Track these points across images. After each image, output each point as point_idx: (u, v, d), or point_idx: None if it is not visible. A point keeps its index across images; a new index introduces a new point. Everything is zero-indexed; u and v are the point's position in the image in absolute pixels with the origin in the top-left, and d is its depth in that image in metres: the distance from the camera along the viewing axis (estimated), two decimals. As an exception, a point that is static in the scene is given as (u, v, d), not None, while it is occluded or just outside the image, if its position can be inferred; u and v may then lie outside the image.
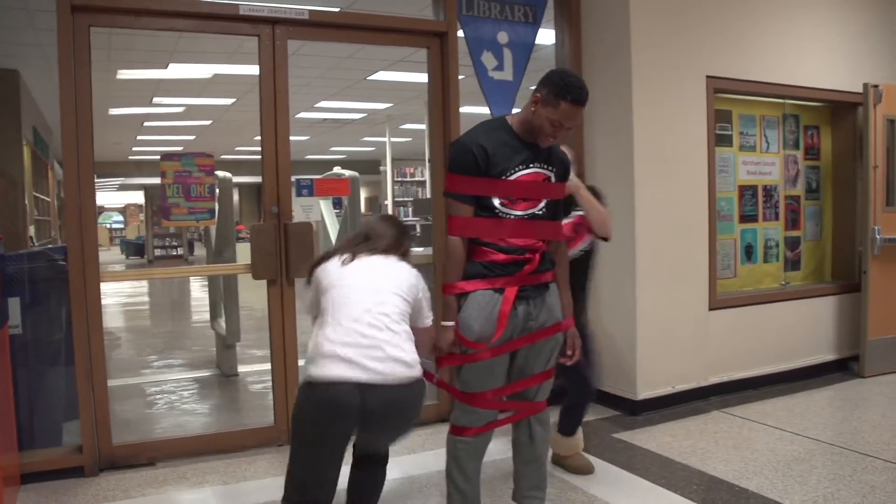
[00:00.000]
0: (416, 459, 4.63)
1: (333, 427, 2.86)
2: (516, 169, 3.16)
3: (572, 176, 3.66)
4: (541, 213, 3.23)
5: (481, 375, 3.21)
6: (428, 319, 3.23)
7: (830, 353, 6.57)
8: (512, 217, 3.17)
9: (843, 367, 6.57)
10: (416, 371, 2.96)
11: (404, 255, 3.27)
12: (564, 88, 3.05)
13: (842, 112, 6.84)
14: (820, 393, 6.04)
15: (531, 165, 3.19)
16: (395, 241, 3.23)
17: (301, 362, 4.95)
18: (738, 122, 6.32)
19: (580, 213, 4.01)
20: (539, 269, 3.22)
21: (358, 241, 3.20)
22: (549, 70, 3.24)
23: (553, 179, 3.28)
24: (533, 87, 3.19)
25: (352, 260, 3.09)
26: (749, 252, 6.45)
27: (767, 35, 6.05)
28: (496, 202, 3.14)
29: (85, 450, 4.50)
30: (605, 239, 4.10)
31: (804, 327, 6.41)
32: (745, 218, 6.41)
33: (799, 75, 6.25)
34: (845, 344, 6.62)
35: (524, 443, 3.45)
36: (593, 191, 4.08)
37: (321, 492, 2.96)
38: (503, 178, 3.14)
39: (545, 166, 3.24)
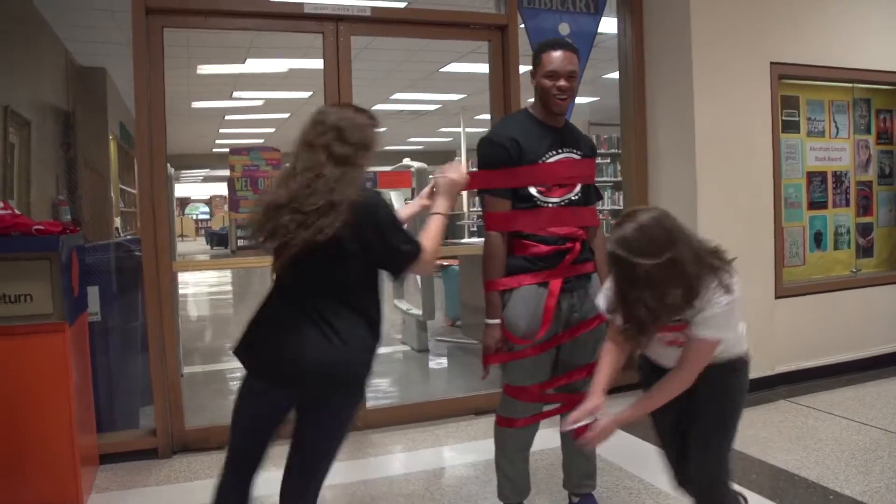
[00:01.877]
0: (476, 446, 4.72)
1: None
2: (548, 154, 3.24)
3: None
4: (576, 198, 3.29)
5: (528, 370, 3.28)
6: None
7: (904, 341, 6.44)
8: (550, 205, 3.23)
9: (919, 356, 6.43)
10: None
11: None
12: (541, 45, 3.28)
13: (915, 95, 6.68)
14: (892, 382, 5.92)
15: (561, 150, 3.27)
16: None
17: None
18: (806, 107, 6.22)
19: None
20: (580, 259, 3.28)
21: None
22: None
23: None
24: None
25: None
26: (818, 239, 6.36)
27: (833, 18, 5.96)
28: (533, 191, 3.21)
29: (159, 433, 4.72)
30: None
31: (877, 315, 6.30)
32: (814, 204, 6.31)
33: (867, 58, 6.14)
34: (922, 332, 6.48)
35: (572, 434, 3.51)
36: None
37: None
38: (538, 163, 3.22)
39: (573, 150, 3.32)
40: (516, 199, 3.23)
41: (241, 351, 2.68)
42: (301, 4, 4.89)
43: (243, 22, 5.04)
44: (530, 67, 5.08)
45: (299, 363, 2.50)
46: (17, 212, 3.86)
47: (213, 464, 4.58)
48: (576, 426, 2.69)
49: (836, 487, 3.89)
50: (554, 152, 3.26)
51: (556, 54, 3.20)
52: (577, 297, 3.30)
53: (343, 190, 2.44)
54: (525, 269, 3.22)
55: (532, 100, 3.39)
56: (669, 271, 2.38)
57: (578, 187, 3.31)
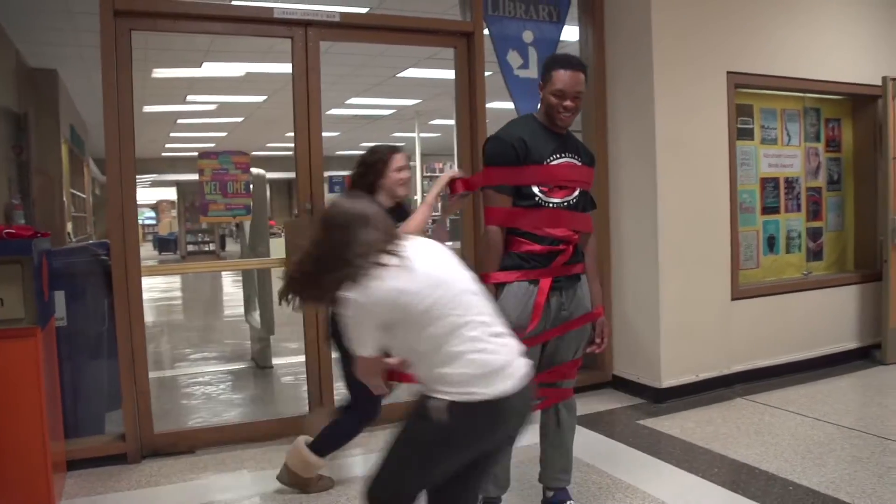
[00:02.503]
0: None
1: (494, 439, 2.51)
2: (552, 157, 3.36)
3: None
4: (574, 202, 3.41)
5: None
6: None
7: (853, 341, 6.66)
8: (550, 206, 3.35)
9: (865, 355, 6.66)
10: None
11: None
12: (552, 61, 3.39)
13: (862, 105, 6.91)
14: (842, 380, 6.14)
15: (563, 155, 3.39)
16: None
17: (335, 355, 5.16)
18: (760, 116, 6.42)
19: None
20: (571, 261, 3.40)
21: (382, 231, 2.46)
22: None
23: None
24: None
25: (400, 254, 2.41)
26: (771, 243, 6.55)
27: (787, 30, 6.14)
28: (536, 190, 3.33)
29: (128, 438, 4.70)
30: None
31: (826, 316, 6.50)
32: (767, 210, 6.51)
33: (819, 70, 6.33)
34: (868, 332, 6.71)
35: (552, 428, 3.62)
36: None
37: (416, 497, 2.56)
38: (543, 164, 3.34)
39: (574, 156, 3.44)
40: (518, 197, 3.34)
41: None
42: (270, 9, 4.92)
43: (212, 26, 5.03)
44: (493, 73, 5.20)
45: None
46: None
47: (183, 468, 4.60)
48: None
49: (794, 479, 4.05)
50: (557, 156, 3.38)
51: (567, 74, 3.31)
52: (566, 296, 3.42)
53: None
54: (518, 266, 3.34)
55: (539, 107, 3.50)
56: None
57: (577, 192, 3.43)
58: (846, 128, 7.04)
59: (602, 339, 3.61)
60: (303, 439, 4.08)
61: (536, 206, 3.33)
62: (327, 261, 2.39)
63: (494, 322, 2.49)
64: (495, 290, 3.33)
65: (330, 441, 4.04)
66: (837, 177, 7.01)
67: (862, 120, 6.98)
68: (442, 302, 2.36)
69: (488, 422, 2.39)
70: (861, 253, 7.07)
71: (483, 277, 3.30)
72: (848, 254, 7.13)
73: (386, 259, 2.35)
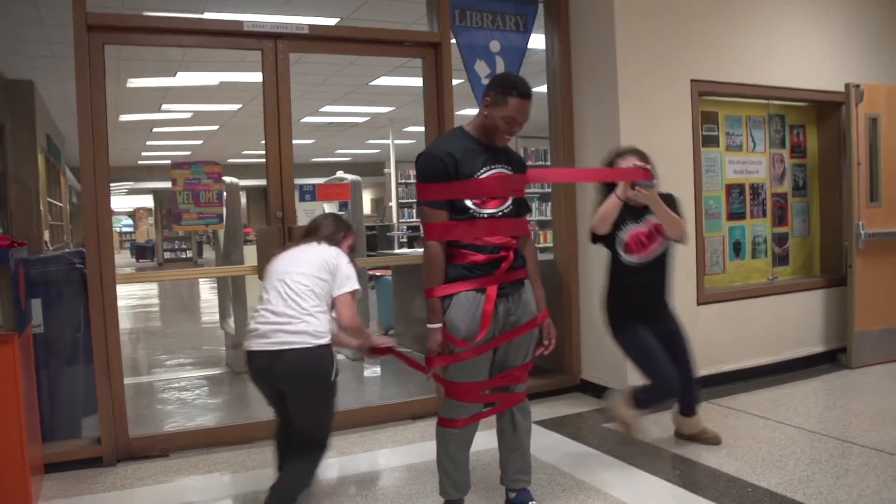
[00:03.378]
0: (414, 449, 4.89)
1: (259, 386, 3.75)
2: (482, 170, 3.44)
3: (647, 187, 4.11)
4: (509, 210, 3.50)
5: (468, 372, 3.46)
6: (342, 289, 3.68)
7: (819, 345, 6.77)
8: (484, 216, 3.43)
9: (831, 359, 6.76)
10: (320, 340, 3.54)
11: (338, 242, 3.87)
12: (509, 86, 3.38)
13: (826, 111, 7.05)
14: (807, 384, 6.24)
15: (493, 166, 3.47)
16: (332, 231, 3.87)
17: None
18: (725, 122, 6.54)
19: (655, 219, 4.34)
20: (514, 266, 3.48)
21: (301, 234, 3.97)
22: (494, 75, 3.58)
23: None
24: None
25: (284, 251, 3.86)
26: (737, 248, 6.66)
27: (750, 38, 6.26)
28: (469, 203, 3.40)
29: (103, 441, 4.77)
30: (680, 241, 4.45)
31: (792, 321, 6.62)
32: (732, 215, 6.62)
33: (783, 77, 6.46)
34: (833, 336, 6.82)
35: (508, 431, 3.71)
36: (670, 198, 4.40)
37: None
38: (473, 178, 3.41)
39: (505, 166, 3.52)
40: (453, 211, 3.42)
41: None
42: (240, 22, 5.00)
43: (184, 39, 5.10)
44: (461, 81, 5.28)
45: None
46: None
47: (157, 471, 4.66)
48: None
49: (753, 481, 4.13)
50: (487, 168, 3.46)
51: (522, 103, 3.36)
52: (513, 301, 3.50)
53: None
54: (464, 277, 3.41)
55: (472, 118, 3.59)
56: None
57: (510, 200, 3.51)
58: (811, 134, 7.17)
59: (549, 341, 3.69)
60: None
61: (472, 218, 3.41)
62: None
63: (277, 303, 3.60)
64: (442, 302, 3.41)
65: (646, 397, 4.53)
66: (803, 183, 7.15)
67: (826, 126, 7.12)
68: (266, 280, 3.74)
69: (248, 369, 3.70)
70: (826, 258, 7.20)
71: (429, 292, 3.40)
72: (813, 259, 7.25)
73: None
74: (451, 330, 3.39)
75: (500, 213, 3.47)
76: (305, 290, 3.58)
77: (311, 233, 3.89)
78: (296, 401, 3.62)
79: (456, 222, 3.41)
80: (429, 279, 3.42)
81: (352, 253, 3.91)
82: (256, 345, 3.56)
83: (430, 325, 3.42)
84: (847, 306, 6.69)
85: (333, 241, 3.84)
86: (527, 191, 3.74)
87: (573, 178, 3.90)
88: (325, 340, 3.56)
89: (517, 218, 3.57)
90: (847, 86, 6.58)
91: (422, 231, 3.57)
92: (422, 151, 3.55)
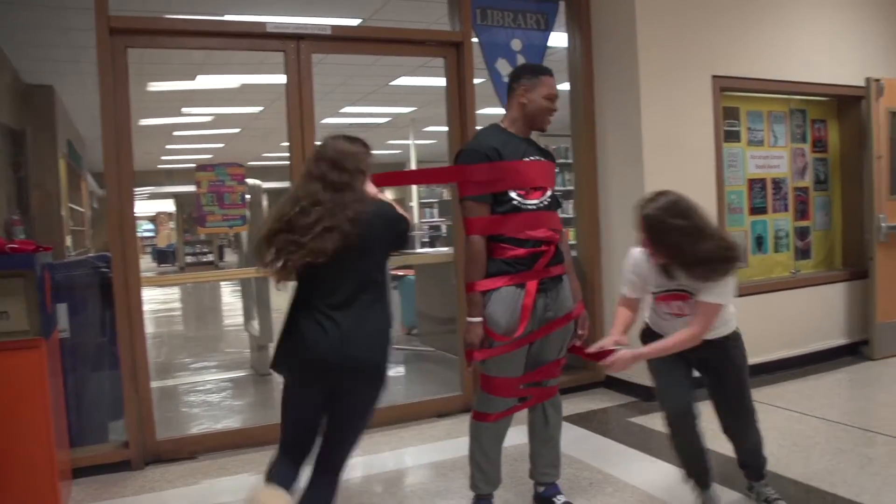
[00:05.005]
0: (440, 446, 4.92)
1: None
2: (525, 159, 3.50)
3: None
4: (549, 202, 3.54)
5: (505, 365, 3.50)
6: None
7: (841, 337, 6.77)
8: (529, 208, 3.45)
9: (853, 351, 6.77)
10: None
11: None
12: (537, 68, 3.59)
13: (847, 106, 7.04)
14: (831, 376, 6.25)
15: (531, 157, 3.53)
16: None
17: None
18: (746, 118, 6.54)
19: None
20: (553, 262, 3.51)
21: None
22: (511, 71, 3.72)
23: None
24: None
25: None
26: (760, 243, 6.66)
27: (771, 33, 6.27)
28: (513, 194, 3.43)
29: (131, 445, 4.80)
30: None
31: (815, 314, 6.62)
32: (755, 210, 6.62)
33: (804, 72, 6.45)
34: (856, 328, 6.82)
35: (540, 425, 3.73)
36: None
37: None
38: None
39: (540, 157, 3.58)
40: (496, 204, 3.44)
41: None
42: (263, 24, 5.03)
43: (207, 41, 5.15)
44: (483, 80, 5.31)
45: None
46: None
47: (185, 473, 4.70)
48: (601, 350, 3.37)
49: (779, 471, 4.16)
50: (528, 158, 3.52)
51: (552, 80, 3.52)
52: (551, 297, 3.53)
53: (339, 214, 2.83)
54: (504, 272, 3.44)
55: (505, 115, 3.64)
56: (693, 232, 3.20)
57: (549, 192, 3.55)
58: (832, 128, 7.16)
59: (584, 331, 3.72)
60: None
61: (515, 211, 3.43)
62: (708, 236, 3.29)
63: None
64: (482, 297, 3.43)
65: None
66: (824, 177, 7.13)
67: (847, 121, 7.10)
68: None
69: None
70: (848, 251, 7.19)
71: (470, 286, 3.42)
72: (835, 252, 7.24)
73: None
74: (491, 324, 3.42)
75: (542, 205, 3.50)
76: None
77: None
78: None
79: (499, 216, 3.44)
80: (469, 274, 3.46)
81: None
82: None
83: (469, 319, 3.46)
84: (868, 298, 6.69)
85: None
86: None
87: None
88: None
89: (556, 211, 3.60)
90: (867, 80, 6.58)
91: (463, 227, 3.56)
92: (462, 148, 3.61)
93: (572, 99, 6.20)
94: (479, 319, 3.43)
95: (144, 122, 13.34)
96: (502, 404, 3.56)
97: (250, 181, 6.37)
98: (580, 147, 6.13)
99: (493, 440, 3.63)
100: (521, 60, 5.80)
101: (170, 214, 31.30)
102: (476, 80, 5.61)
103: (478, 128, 5.50)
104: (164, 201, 29.59)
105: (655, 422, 5.16)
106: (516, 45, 5.82)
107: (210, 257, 27.79)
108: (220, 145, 17.74)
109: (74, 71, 8.97)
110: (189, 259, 27.62)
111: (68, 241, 10.44)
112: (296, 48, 5.13)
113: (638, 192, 5.53)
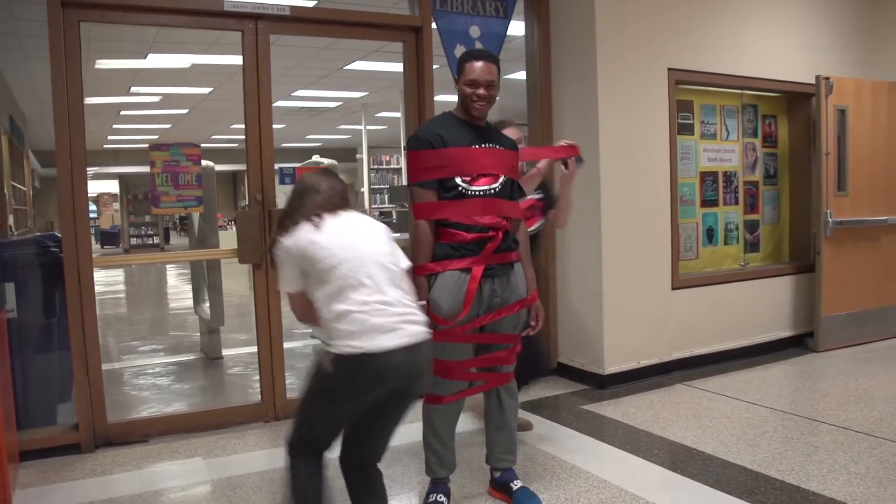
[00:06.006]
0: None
1: (375, 391, 2.77)
2: (475, 146, 3.50)
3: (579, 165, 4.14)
4: (499, 189, 3.52)
5: (452, 349, 3.50)
6: (405, 260, 3.05)
7: (787, 329, 6.91)
8: (474, 193, 3.46)
9: (799, 343, 6.92)
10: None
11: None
12: (466, 54, 3.57)
13: (797, 102, 7.17)
14: (777, 367, 6.38)
15: (482, 144, 3.53)
16: (346, 195, 3.02)
17: (287, 344, 5.24)
18: (700, 111, 6.63)
19: (537, 196, 4.40)
20: (503, 248, 3.51)
21: (336, 205, 2.92)
22: None
23: None
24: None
25: (327, 227, 2.82)
26: (710, 235, 6.76)
27: (727, 29, 6.35)
28: (458, 180, 3.44)
29: (81, 427, 4.72)
30: (561, 227, 4.61)
31: (762, 305, 6.74)
32: (706, 202, 6.72)
33: (756, 68, 6.55)
34: (801, 321, 6.96)
35: (495, 411, 3.75)
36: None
37: (329, 442, 2.97)
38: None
39: (494, 145, 3.57)
40: (442, 190, 3.46)
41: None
42: (221, 2, 4.93)
43: (162, 18, 5.04)
44: (439, 66, 5.30)
45: None
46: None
47: (137, 456, 4.64)
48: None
49: (729, 458, 4.25)
50: (476, 146, 3.51)
51: (478, 65, 3.47)
52: (499, 283, 3.53)
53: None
54: (450, 256, 3.45)
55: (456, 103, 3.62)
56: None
57: (501, 179, 3.53)
58: (782, 124, 7.29)
59: (537, 323, 3.74)
60: None
61: (460, 197, 3.45)
62: (285, 213, 2.94)
63: (389, 292, 2.80)
64: (427, 281, 3.45)
65: None
66: (774, 171, 7.26)
67: (797, 117, 7.23)
68: (343, 265, 2.74)
69: (365, 374, 2.72)
70: (796, 245, 7.34)
71: (416, 270, 3.42)
72: (783, 246, 7.38)
73: (312, 221, 2.84)
74: (434, 308, 3.43)
75: (492, 192, 3.49)
76: (401, 272, 2.95)
77: (345, 202, 2.99)
78: (403, 406, 2.92)
79: (445, 201, 3.45)
80: (415, 257, 3.45)
81: None
82: (388, 340, 2.69)
83: None
84: (814, 292, 6.83)
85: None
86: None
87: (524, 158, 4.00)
88: None
89: (509, 199, 3.59)
90: (818, 78, 6.70)
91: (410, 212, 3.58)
92: (411, 135, 3.61)
93: (529, 88, 6.21)
94: (422, 303, 3.43)
95: (91, 100, 13.08)
96: (453, 387, 3.58)
97: (204, 162, 6.28)
98: (536, 136, 6.14)
99: (445, 423, 3.64)
100: (479, 47, 5.79)
101: (114, 195, 30.79)
102: (435, 67, 5.59)
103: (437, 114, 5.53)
104: (107, 182, 29.11)
105: (607, 409, 5.26)
106: (475, 31, 5.81)
107: (156, 240, 27.44)
108: (167, 126, 17.51)
109: (18, 45, 8.74)
110: (134, 241, 27.26)
111: (11, 219, 10.22)
112: (254, 28, 5.06)
113: (594, 184, 5.62)
